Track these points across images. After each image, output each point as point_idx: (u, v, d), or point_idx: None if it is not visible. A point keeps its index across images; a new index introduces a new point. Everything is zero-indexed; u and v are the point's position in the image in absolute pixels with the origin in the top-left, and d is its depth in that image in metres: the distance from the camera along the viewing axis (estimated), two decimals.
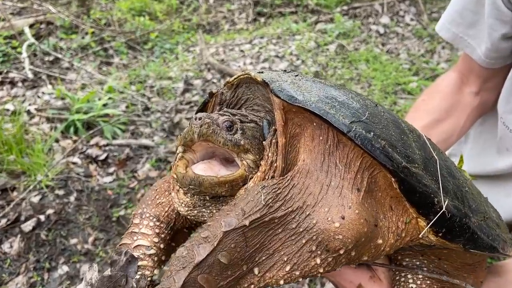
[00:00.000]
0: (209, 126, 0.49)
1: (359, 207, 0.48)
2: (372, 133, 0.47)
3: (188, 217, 0.57)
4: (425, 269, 0.58)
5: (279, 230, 0.48)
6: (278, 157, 0.52)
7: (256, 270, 0.48)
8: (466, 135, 1.13)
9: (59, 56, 2.77)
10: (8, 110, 2.20)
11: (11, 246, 1.59)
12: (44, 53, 2.85)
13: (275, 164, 0.52)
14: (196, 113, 0.59)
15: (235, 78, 0.60)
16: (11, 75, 2.59)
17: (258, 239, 0.48)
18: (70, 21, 3.25)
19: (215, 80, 2.69)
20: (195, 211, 0.55)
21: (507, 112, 0.94)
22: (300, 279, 0.51)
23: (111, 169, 1.94)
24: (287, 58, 3.01)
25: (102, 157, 1.98)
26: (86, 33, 3.25)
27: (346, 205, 0.48)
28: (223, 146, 0.50)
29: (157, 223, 0.61)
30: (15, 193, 1.76)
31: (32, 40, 2.83)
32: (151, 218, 0.62)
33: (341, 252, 0.48)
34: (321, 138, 0.51)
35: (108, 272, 0.58)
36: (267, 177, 0.52)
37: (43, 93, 2.42)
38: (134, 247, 0.58)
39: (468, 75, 1.02)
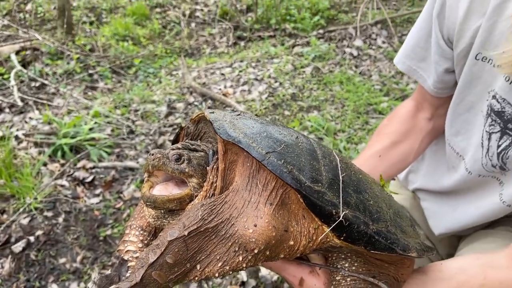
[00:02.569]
0: (159, 160, 0.65)
1: (269, 217, 0.63)
2: (282, 161, 0.62)
3: (156, 226, 0.71)
4: (353, 268, 0.72)
5: (213, 236, 0.62)
6: (218, 179, 0.67)
7: (198, 266, 0.62)
8: (424, 153, 1.27)
9: (45, 82, 2.86)
10: None
11: (2, 267, 1.66)
12: (31, 79, 2.94)
13: (215, 185, 0.67)
14: (172, 143, 0.76)
15: (196, 116, 0.76)
16: None
17: (197, 244, 0.62)
18: (56, 47, 3.36)
19: (197, 103, 2.81)
20: (159, 222, 0.69)
21: (451, 135, 1.08)
22: (230, 272, 0.65)
23: (98, 191, 2.03)
24: (265, 81, 3.16)
25: (89, 179, 2.07)
26: (71, 59, 3.35)
27: (259, 216, 0.63)
28: (172, 173, 0.65)
29: (141, 232, 0.76)
30: (5, 216, 1.84)
31: (19, 66, 2.93)
32: (137, 228, 0.77)
33: (256, 251, 0.62)
34: (248, 164, 0.65)
35: (106, 272, 0.71)
36: (208, 195, 0.66)
37: (30, 118, 2.51)
38: (125, 252, 0.73)
39: (423, 103, 1.16)
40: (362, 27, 4.03)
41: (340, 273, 0.73)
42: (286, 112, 2.75)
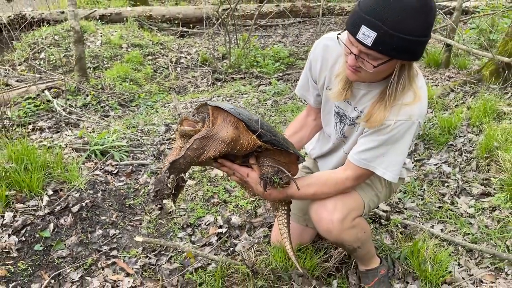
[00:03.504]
0: (187, 115, 1.50)
1: (232, 129, 1.42)
2: (239, 113, 1.46)
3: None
4: (269, 162, 1.71)
5: (210, 140, 1.39)
6: (210, 123, 1.42)
7: (205, 152, 1.39)
8: (317, 139, 2.31)
9: (73, 110, 3.85)
10: (45, 145, 3.24)
11: (65, 221, 2.59)
12: (60, 108, 3.92)
13: (208, 125, 1.42)
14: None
15: (198, 105, 1.74)
16: (39, 124, 3.65)
17: (204, 142, 1.38)
18: (75, 86, 4.37)
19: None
20: (184, 141, 1.63)
21: (324, 126, 2.09)
22: (217, 154, 1.42)
23: (122, 178, 3.00)
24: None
25: (115, 172, 3.03)
26: (87, 95, 4.36)
27: (227, 130, 1.41)
28: (191, 120, 1.46)
29: (175, 154, 1.72)
30: (62, 193, 2.78)
31: (51, 99, 3.91)
32: (173, 154, 1.57)
33: (228, 142, 1.40)
34: (223, 115, 1.43)
35: (158, 177, 1.68)
36: (206, 127, 1.44)
37: (66, 135, 3.48)
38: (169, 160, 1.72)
39: (310, 111, 2.12)
40: None
41: (263, 166, 1.62)
42: None
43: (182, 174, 1.52)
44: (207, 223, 2.65)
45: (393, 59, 1.39)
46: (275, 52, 5.92)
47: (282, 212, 1.71)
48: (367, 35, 1.32)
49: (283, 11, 7.52)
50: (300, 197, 1.79)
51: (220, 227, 2.59)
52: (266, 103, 4.38)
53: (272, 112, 4.18)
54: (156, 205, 1.56)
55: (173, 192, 1.49)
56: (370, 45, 1.33)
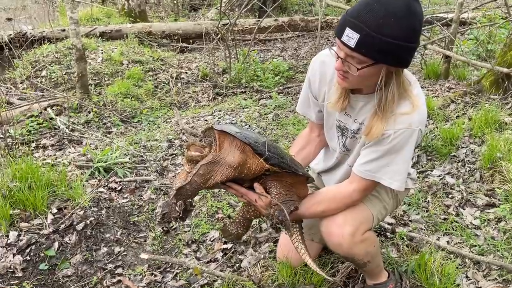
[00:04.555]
0: (194, 141, 1.53)
1: (239, 154, 1.44)
2: (245, 136, 1.46)
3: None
4: (275, 190, 1.63)
5: (217, 165, 1.41)
6: (217, 147, 1.45)
7: (212, 177, 1.41)
8: (321, 155, 2.32)
9: (76, 127, 3.86)
10: (48, 163, 3.24)
11: (70, 239, 2.58)
12: (63, 126, 3.93)
13: (216, 150, 1.45)
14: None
15: (205, 128, 1.71)
16: (42, 141, 3.66)
17: (211, 167, 1.41)
18: (77, 104, 4.39)
19: (188, 140, 3.85)
20: (190, 166, 1.60)
21: (328, 141, 2.12)
22: (225, 179, 1.44)
23: (126, 195, 3.00)
24: (238, 124, 4.23)
25: (119, 188, 3.03)
26: (89, 112, 4.38)
27: (234, 155, 1.43)
28: (198, 146, 1.48)
29: (181, 180, 1.72)
30: (66, 211, 2.78)
31: (54, 117, 3.93)
32: (179, 179, 1.61)
33: (235, 167, 1.43)
34: (229, 139, 1.44)
35: (165, 200, 1.67)
36: (214, 152, 1.46)
37: (69, 152, 3.48)
38: (176, 185, 1.70)
39: (313, 127, 2.12)
40: None
41: (271, 190, 1.61)
42: None
43: (190, 199, 1.53)
44: (212, 239, 2.64)
45: (378, 62, 1.40)
46: (274, 66, 5.97)
47: (295, 230, 1.71)
48: (350, 36, 1.35)
49: (282, 25, 7.59)
50: (310, 217, 1.80)
51: (225, 243, 2.58)
52: (267, 117, 4.39)
53: (274, 126, 4.19)
54: (163, 228, 1.56)
55: (180, 215, 1.50)
56: (353, 46, 1.35)
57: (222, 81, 5.54)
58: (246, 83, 5.45)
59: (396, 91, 1.52)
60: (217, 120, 4.30)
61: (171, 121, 4.37)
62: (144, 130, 4.15)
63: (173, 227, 2.65)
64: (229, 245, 2.55)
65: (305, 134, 2.10)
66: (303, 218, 1.81)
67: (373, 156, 1.62)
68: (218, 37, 6.04)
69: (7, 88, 5.33)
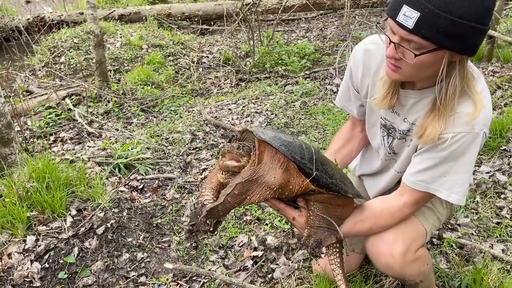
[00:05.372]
0: (230, 148, 1.24)
1: (281, 174, 1.22)
2: (288, 149, 1.20)
3: (223, 183, 1.39)
4: (318, 211, 1.34)
5: (255, 183, 1.20)
6: (256, 158, 1.23)
7: (248, 197, 1.21)
8: (362, 155, 2.07)
9: (95, 119, 3.69)
10: (67, 159, 3.09)
11: (90, 244, 2.42)
12: (82, 117, 3.77)
13: (255, 161, 1.24)
14: (227, 142, 1.55)
15: (242, 129, 1.52)
16: (61, 134, 3.51)
17: (248, 186, 1.20)
18: (96, 93, 4.22)
19: (212, 132, 3.64)
20: (226, 180, 1.28)
21: (370, 140, 1.88)
22: (263, 200, 1.24)
23: (148, 194, 2.82)
24: (264, 114, 3.99)
25: (140, 187, 2.86)
26: (109, 101, 4.20)
27: (276, 174, 1.21)
28: (235, 154, 1.24)
29: (212, 190, 1.34)
30: (86, 212, 2.62)
31: (73, 107, 3.77)
32: (209, 189, 1.34)
33: (275, 189, 1.21)
34: (271, 151, 1.23)
35: (194, 210, 1.47)
36: (252, 165, 1.23)
37: (88, 146, 3.32)
38: (204, 200, 1.30)
39: (355, 122, 1.93)
40: (340, 68, 4.92)
41: (310, 212, 1.39)
42: None
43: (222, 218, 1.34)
44: (240, 244, 2.45)
45: (440, 48, 1.17)
46: (300, 48, 5.66)
47: (334, 250, 1.48)
48: (408, 16, 1.14)
49: (306, 4, 7.23)
50: (354, 235, 1.58)
51: (255, 249, 2.39)
52: (294, 105, 4.14)
53: (302, 115, 3.94)
54: (191, 244, 1.36)
55: (210, 229, 1.31)
56: (411, 27, 1.14)
57: (245, 66, 5.29)
58: (270, 68, 5.19)
59: (458, 85, 1.28)
60: (241, 110, 4.07)
61: (193, 110, 4.16)
62: (165, 120, 3.96)
63: (203, 239, 2.45)
64: (259, 252, 2.35)
65: (347, 129, 1.90)
66: (345, 237, 1.58)
67: (427, 164, 1.40)
68: (240, 18, 5.75)
69: (26, 75, 5.20)
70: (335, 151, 1.93)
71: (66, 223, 2.50)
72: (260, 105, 4.15)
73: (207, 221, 1.31)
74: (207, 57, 5.78)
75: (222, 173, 1.34)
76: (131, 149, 3.10)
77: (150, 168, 3.02)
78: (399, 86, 1.48)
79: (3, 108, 2.96)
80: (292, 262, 2.26)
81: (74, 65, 5.40)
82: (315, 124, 3.75)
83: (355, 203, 1.53)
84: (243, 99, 4.34)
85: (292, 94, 4.41)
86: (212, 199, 1.34)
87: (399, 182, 1.66)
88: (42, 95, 4.05)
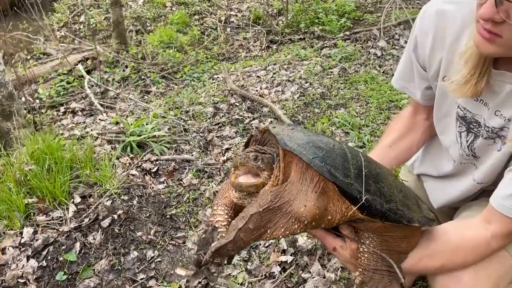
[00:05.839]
0: (244, 159, 0.92)
1: (314, 201, 0.89)
2: (323, 163, 0.87)
3: (239, 203, 0.99)
4: (372, 244, 0.99)
5: (278, 212, 0.88)
6: (280, 173, 0.93)
7: (268, 231, 0.89)
8: (427, 148, 1.61)
9: (109, 88, 3.34)
10: (76, 135, 2.76)
11: (94, 238, 2.12)
12: (94, 85, 3.43)
13: (278, 177, 0.93)
14: (244, 145, 1.11)
15: (262, 129, 1.05)
16: (71, 105, 3.18)
17: (268, 216, 0.88)
18: (113, 57, 3.85)
19: (237, 104, 3.22)
20: (241, 201, 0.96)
21: (439, 134, 1.42)
22: (290, 235, 0.92)
23: (162, 179, 2.47)
24: (297, 82, 3.53)
25: (154, 170, 2.51)
26: (126, 67, 3.83)
27: (307, 200, 0.88)
28: (251, 168, 0.92)
29: (226, 208, 1.03)
30: (91, 199, 2.31)
31: (85, 75, 3.42)
32: (222, 205, 1.03)
33: (306, 222, 0.89)
34: (300, 165, 0.91)
35: (202, 235, 1.09)
36: (274, 184, 0.92)
37: (100, 120, 2.99)
38: (216, 221, 1.01)
39: (417, 108, 1.49)
40: (386, 28, 4.32)
41: (362, 247, 1.01)
42: (316, 110, 3.12)
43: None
44: (266, 245, 2.08)
45: None
46: (339, 5, 5.06)
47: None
48: None
49: None
50: (418, 273, 1.16)
51: (284, 252, 2.02)
52: (332, 72, 3.65)
53: (341, 83, 3.46)
54: (202, 278, 0.98)
55: (224, 262, 0.98)
56: None
57: (277, 26, 4.77)
58: (305, 28, 4.65)
59: None
60: (271, 77, 3.61)
61: (218, 77, 3.74)
62: (187, 89, 3.56)
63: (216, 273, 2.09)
64: (288, 257, 1.98)
65: (407, 115, 1.50)
66: (408, 274, 1.16)
67: None
68: None
69: (44, 36, 4.87)
70: (390, 143, 1.50)
71: (68, 213, 2.20)
72: (293, 72, 3.68)
73: (216, 260, 0.94)
74: (236, 15, 5.27)
75: (235, 191, 0.97)
76: (146, 125, 2.73)
77: (166, 147, 2.66)
78: (491, 65, 1.05)
79: (2, 77, 2.63)
80: (328, 271, 1.88)
81: (94, 25, 5.03)
82: (356, 95, 3.27)
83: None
84: (274, 64, 3.87)
85: (329, 58, 3.90)
86: (225, 220, 1.04)
87: (480, 194, 1.22)
88: (55, 59, 3.71)
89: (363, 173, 0.92)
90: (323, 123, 2.91)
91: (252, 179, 0.94)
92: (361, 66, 3.75)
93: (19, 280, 1.93)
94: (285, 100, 3.26)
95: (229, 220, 1.02)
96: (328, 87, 3.43)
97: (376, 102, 3.13)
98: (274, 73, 3.69)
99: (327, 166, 0.88)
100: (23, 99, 2.92)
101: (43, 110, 3.05)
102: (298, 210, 0.88)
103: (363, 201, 0.89)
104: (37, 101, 3.23)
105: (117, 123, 2.84)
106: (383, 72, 3.60)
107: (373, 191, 0.91)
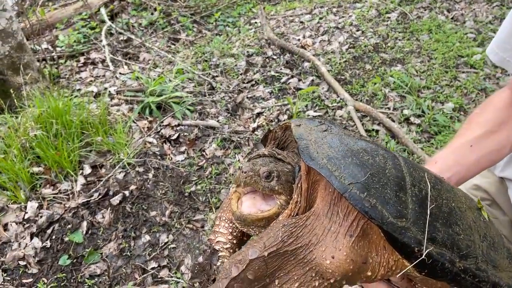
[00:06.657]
0: (251, 178, 0.65)
1: (347, 250, 0.61)
2: (365, 193, 0.58)
3: (243, 230, 0.72)
4: None
5: (292, 258, 0.62)
6: (301, 198, 0.65)
7: (276, 282, 0.62)
8: None
9: (132, 36, 3.00)
10: (92, 92, 2.48)
11: (103, 217, 1.89)
12: (118, 33, 3.09)
13: (299, 204, 0.65)
14: (260, 141, 0.76)
15: (283, 124, 0.74)
16: (92, 55, 2.88)
17: (277, 263, 0.62)
18: None
19: (275, 57, 2.79)
20: (245, 228, 0.70)
21: None
22: None
23: (183, 148, 2.17)
24: (346, 29, 3.02)
25: (174, 137, 2.21)
26: (155, 9, 3.44)
27: (337, 248, 0.61)
28: (262, 191, 0.66)
29: (230, 224, 0.78)
30: (103, 170, 2.06)
31: (108, 21, 3.08)
32: (226, 220, 0.78)
33: (332, 281, 0.61)
34: (330, 189, 0.63)
35: (199, 260, 0.77)
36: (292, 214, 0.65)
37: (120, 73, 2.68)
38: (216, 242, 0.77)
39: None
40: None
41: None
42: (367, 66, 2.64)
43: None
44: None
45: None
46: None
47: None
48: None
49: None
50: None
51: None
52: (389, 18, 3.11)
53: (399, 32, 2.92)
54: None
55: None
56: None
57: None
58: None
59: None
60: (317, 23, 3.11)
61: (255, 23, 3.28)
62: (219, 36, 3.14)
63: None
64: None
65: (502, 101, 1.08)
66: None
67: None
68: None
69: None
70: (471, 141, 1.11)
71: (76, 186, 1.96)
72: (343, 17, 3.17)
73: None
74: None
75: (239, 223, 0.70)
76: (169, 81, 2.40)
77: (189, 109, 2.32)
78: None
79: (10, 26, 2.35)
80: None
81: None
82: (416, 47, 2.74)
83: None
84: (321, 7, 3.36)
85: (387, 0, 3.32)
86: (229, 242, 0.78)
87: None
88: (78, 1, 3.38)
89: (428, 211, 0.62)
90: (375, 84, 2.45)
91: (262, 205, 0.68)
92: (425, 10, 3.16)
93: (20, 262, 1.74)
94: (331, 52, 2.79)
95: (234, 241, 0.78)
96: (384, 37, 2.91)
97: (441, 57, 2.60)
98: (320, 18, 3.19)
99: (371, 198, 0.58)
100: (38, 48, 2.64)
101: (62, 61, 2.77)
102: (323, 262, 0.60)
103: (423, 256, 0.59)
104: (57, 49, 2.94)
105: (137, 78, 2.51)
106: (452, 19, 3.00)
107: (441, 240, 0.62)
